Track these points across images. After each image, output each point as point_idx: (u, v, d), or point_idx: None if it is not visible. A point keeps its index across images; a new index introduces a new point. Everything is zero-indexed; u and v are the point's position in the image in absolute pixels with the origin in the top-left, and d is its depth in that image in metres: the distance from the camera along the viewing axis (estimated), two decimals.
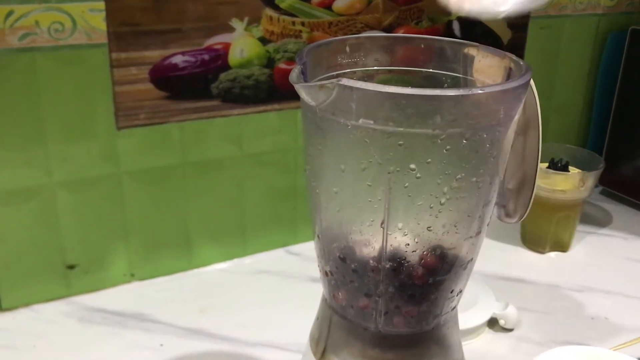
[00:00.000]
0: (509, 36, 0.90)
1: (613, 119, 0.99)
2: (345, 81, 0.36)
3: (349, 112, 0.37)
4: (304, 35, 0.75)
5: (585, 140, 1.04)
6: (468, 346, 0.67)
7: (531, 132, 0.48)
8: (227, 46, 0.71)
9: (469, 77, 0.46)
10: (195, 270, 0.79)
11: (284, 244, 0.85)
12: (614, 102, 0.98)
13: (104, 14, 0.64)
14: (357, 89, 0.36)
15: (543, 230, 0.85)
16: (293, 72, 0.38)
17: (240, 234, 0.81)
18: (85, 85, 0.66)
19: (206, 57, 0.71)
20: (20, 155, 0.65)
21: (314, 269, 0.80)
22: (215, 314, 0.72)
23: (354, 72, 0.47)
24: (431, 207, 0.39)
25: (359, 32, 0.78)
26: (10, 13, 0.60)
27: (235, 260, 0.82)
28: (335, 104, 0.37)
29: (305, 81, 0.40)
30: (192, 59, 0.70)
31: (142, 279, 0.77)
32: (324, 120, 0.39)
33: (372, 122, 0.36)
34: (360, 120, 0.37)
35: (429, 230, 0.40)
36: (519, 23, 0.90)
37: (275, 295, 0.76)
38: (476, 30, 0.87)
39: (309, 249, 0.85)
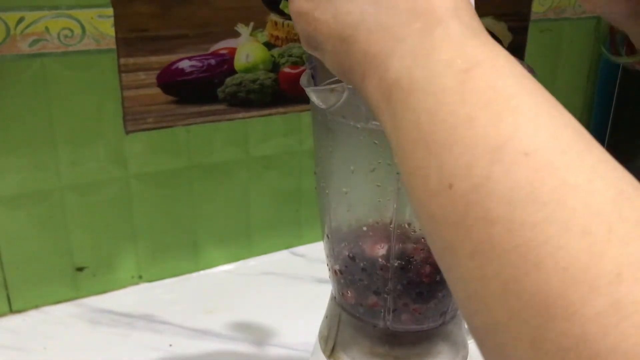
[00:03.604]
0: (509, 39, 0.91)
1: (612, 121, 1.00)
2: None
3: (359, 115, 0.38)
4: None
5: None
6: (470, 345, 0.68)
7: None
8: (232, 51, 0.72)
9: None
10: (202, 272, 0.80)
11: (289, 246, 0.86)
12: (613, 104, 0.99)
13: (112, 20, 0.65)
14: None
15: None
16: (303, 76, 0.40)
17: (246, 236, 0.82)
18: (94, 90, 0.67)
19: (212, 62, 0.72)
20: (30, 158, 0.66)
21: (319, 270, 0.81)
22: (222, 314, 0.73)
23: None
24: None
25: None
26: (21, 20, 0.61)
27: (241, 261, 0.83)
28: (345, 107, 0.38)
29: (315, 85, 0.41)
30: (199, 64, 0.71)
31: (149, 280, 0.78)
32: (334, 123, 0.40)
33: None
34: (370, 123, 0.38)
35: None
36: (519, 26, 0.92)
37: (280, 296, 0.77)
38: None
39: (313, 250, 0.86)
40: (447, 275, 0.26)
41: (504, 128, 0.24)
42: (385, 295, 0.44)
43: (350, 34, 0.30)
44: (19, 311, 0.71)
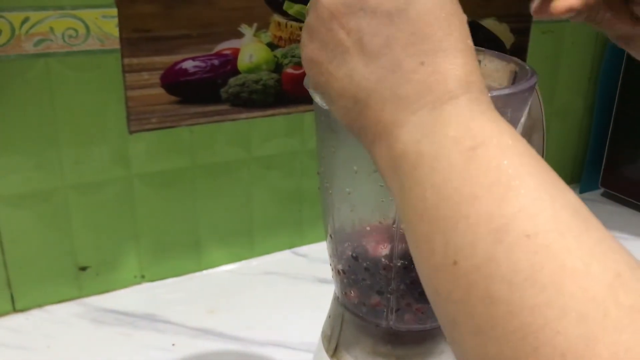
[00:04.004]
0: (511, 41, 0.91)
1: (614, 121, 1.00)
2: None
3: None
4: None
5: (586, 144, 1.06)
6: None
7: (536, 135, 0.49)
8: (236, 52, 0.73)
9: None
10: (204, 272, 0.81)
11: (291, 246, 0.86)
12: (615, 105, 0.99)
13: (116, 20, 0.65)
14: None
15: None
16: (307, 77, 0.40)
17: (248, 236, 0.83)
18: (98, 90, 0.67)
19: (216, 62, 0.72)
20: (34, 158, 0.67)
21: (321, 270, 0.81)
22: (224, 314, 0.73)
23: None
24: None
25: None
26: (25, 20, 0.62)
27: (243, 261, 0.83)
28: None
29: None
30: (202, 64, 0.71)
31: (152, 280, 0.78)
32: (337, 124, 0.40)
33: None
34: None
35: None
36: (521, 28, 0.92)
37: (282, 296, 0.77)
38: (480, 35, 0.88)
39: (315, 250, 0.86)
40: (451, 346, 0.27)
41: (507, 209, 0.25)
42: (388, 295, 0.44)
43: (364, 98, 0.30)
44: (22, 310, 0.71)
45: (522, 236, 0.24)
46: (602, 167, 1.03)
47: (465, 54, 0.29)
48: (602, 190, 1.05)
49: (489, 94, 0.38)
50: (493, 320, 0.24)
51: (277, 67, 0.76)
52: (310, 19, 0.32)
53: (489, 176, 0.25)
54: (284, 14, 0.74)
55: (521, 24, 0.92)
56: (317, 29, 0.32)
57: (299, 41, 0.75)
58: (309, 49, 0.33)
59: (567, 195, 0.26)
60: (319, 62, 0.32)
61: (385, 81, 0.29)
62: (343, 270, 0.46)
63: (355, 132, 0.32)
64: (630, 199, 1.00)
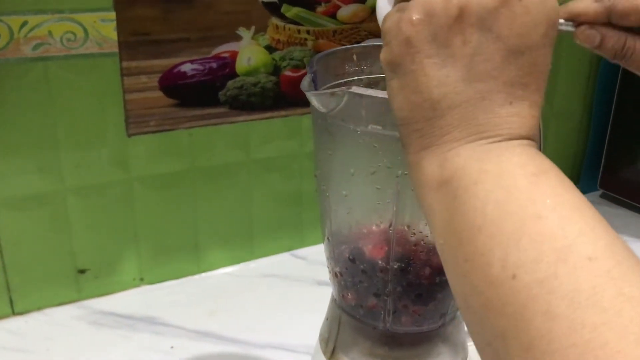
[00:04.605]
0: None
1: (612, 123, 1.00)
2: (355, 89, 0.37)
3: (359, 118, 0.38)
4: (309, 43, 0.76)
5: (585, 145, 1.06)
6: (470, 347, 0.68)
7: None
8: (234, 54, 0.73)
9: None
10: (204, 274, 0.81)
11: (290, 248, 0.86)
12: (613, 106, 0.99)
13: (114, 23, 0.66)
14: (367, 96, 0.37)
15: None
16: (304, 80, 0.40)
17: (247, 238, 0.83)
18: (97, 93, 0.67)
19: (214, 65, 0.72)
20: (33, 161, 0.67)
21: (320, 273, 0.81)
22: (224, 316, 0.73)
23: (361, 79, 0.48)
24: None
25: (363, 40, 0.79)
26: (24, 24, 0.62)
27: (242, 264, 0.83)
28: (346, 111, 0.38)
29: (316, 89, 0.41)
30: (201, 67, 0.72)
31: (151, 282, 0.78)
32: (334, 126, 0.40)
33: (380, 127, 0.38)
34: (370, 126, 0.38)
35: None
36: None
37: (281, 298, 0.77)
38: None
39: (314, 252, 0.86)
40: None
41: (570, 231, 0.26)
42: (385, 297, 0.44)
43: (444, 108, 0.30)
44: (21, 313, 0.71)
45: (584, 258, 0.25)
46: (601, 168, 1.03)
47: (539, 110, 0.31)
48: (600, 191, 1.05)
49: None
50: (551, 334, 0.25)
51: (275, 70, 0.76)
52: (437, 3, 0.30)
53: (552, 200, 0.27)
54: (282, 17, 0.74)
55: None
56: (437, 16, 0.30)
57: (296, 44, 0.76)
58: (414, 30, 0.30)
59: (613, 232, 0.27)
60: (417, 48, 0.30)
61: (472, 104, 0.30)
62: (340, 273, 0.46)
63: (407, 130, 0.32)
64: (629, 201, 1.00)
